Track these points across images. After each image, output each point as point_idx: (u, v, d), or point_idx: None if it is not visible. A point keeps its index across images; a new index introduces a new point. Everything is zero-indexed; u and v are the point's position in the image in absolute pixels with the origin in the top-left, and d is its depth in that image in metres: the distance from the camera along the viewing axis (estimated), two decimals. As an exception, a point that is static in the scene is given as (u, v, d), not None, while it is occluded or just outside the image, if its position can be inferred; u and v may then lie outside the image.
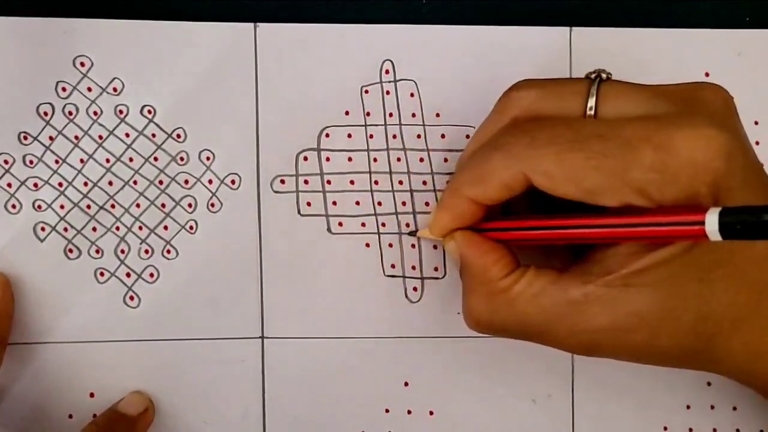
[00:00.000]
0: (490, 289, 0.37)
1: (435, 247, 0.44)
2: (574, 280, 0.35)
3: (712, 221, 0.30)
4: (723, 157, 0.33)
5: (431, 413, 0.44)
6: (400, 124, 0.44)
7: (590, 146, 0.33)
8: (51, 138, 0.43)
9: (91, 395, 0.43)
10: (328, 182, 0.44)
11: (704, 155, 0.32)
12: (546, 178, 0.34)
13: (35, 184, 0.43)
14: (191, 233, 0.43)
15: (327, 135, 0.44)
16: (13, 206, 0.42)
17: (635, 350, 0.35)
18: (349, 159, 0.44)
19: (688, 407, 0.45)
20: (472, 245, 0.38)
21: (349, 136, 0.44)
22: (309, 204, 0.44)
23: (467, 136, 0.44)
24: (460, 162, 0.41)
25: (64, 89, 0.43)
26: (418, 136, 0.44)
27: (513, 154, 0.35)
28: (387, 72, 0.44)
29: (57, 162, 0.43)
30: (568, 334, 0.35)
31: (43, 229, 0.43)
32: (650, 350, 0.35)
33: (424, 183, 0.44)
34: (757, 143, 0.45)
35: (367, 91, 0.44)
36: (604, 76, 0.37)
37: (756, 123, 0.45)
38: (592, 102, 0.36)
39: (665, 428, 0.45)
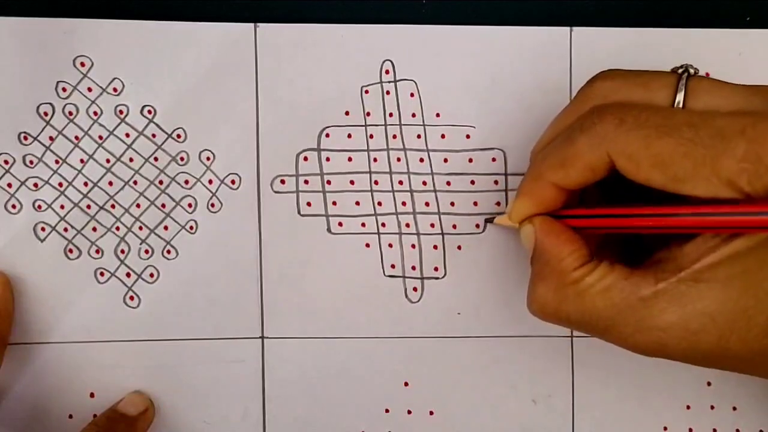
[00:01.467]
0: (561, 280, 0.36)
1: (435, 247, 0.44)
2: (646, 276, 0.34)
3: None
4: None
5: (431, 413, 0.44)
6: (400, 124, 0.44)
7: (680, 133, 0.32)
8: (51, 138, 0.43)
9: (91, 395, 0.43)
10: (328, 182, 0.44)
11: None
12: (631, 162, 0.33)
13: (35, 184, 0.43)
14: (191, 233, 0.43)
15: (327, 135, 0.44)
16: (13, 206, 0.42)
17: (703, 353, 0.34)
18: (349, 159, 0.44)
19: (688, 407, 0.45)
20: (551, 233, 0.37)
21: (349, 136, 0.44)
22: (309, 204, 0.44)
23: (467, 136, 0.44)
24: (536, 150, 0.39)
25: (64, 89, 0.43)
26: (418, 136, 0.44)
27: (599, 135, 0.34)
28: (387, 72, 0.44)
29: (57, 162, 0.43)
30: (634, 331, 0.34)
31: (43, 229, 0.43)
32: (719, 353, 0.34)
33: (424, 183, 0.44)
34: (758, 143, 0.45)
35: (367, 91, 0.44)
36: (692, 71, 0.36)
37: (756, 123, 0.45)
38: (680, 96, 0.35)
39: (665, 428, 0.45)
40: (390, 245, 0.44)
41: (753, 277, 0.32)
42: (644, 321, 0.34)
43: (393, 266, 0.44)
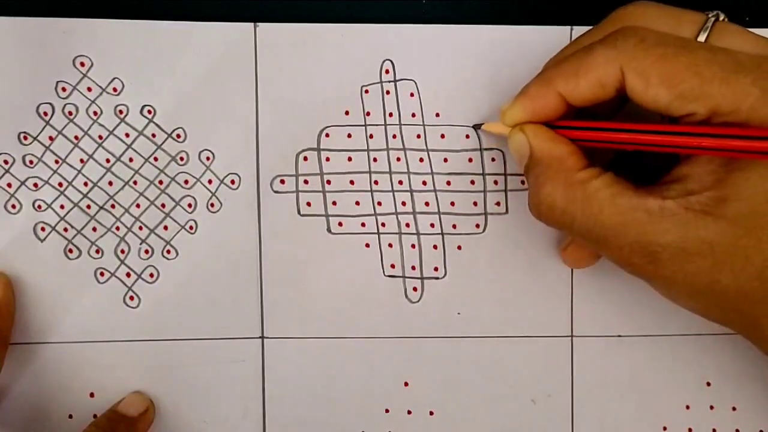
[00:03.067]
0: (568, 178, 0.36)
1: (435, 247, 0.44)
2: (653, 193, 0.35)
3: None
4: None
5: (431, 413, 0.44)
6: (400, 124, 0.44)
7: (696, 54, 0.33)
8: (51, 138, 0.43)
9: (91, 395, 0.43)
10: (328, 182, 0.44)
11: None
12: (641, 79, 0.34)
13: (35, 184, 0.43)
14: (191, 233, 0.43)
15: (327, 135, 0.44)
16: (13, 206, 0.43)
17: (693, 277, 0.34)
18: (349, 159, 0.44)
19: (688, 407, 0.45)
20: (548, 138, 0.37)
21: (349, 136, 0.44)
22: (309, 204, 0.44)
23: (467, 136, 0.44)
24: (552, 60, 0.40)
25: (64, 89, 0.43)
26: (418, 136, 0.44)
27: (618, 48, 0.34)
28: (387, 72, 0.44)
29: (57, 162, 0.43)
30: (633, 241, 0.34)
31: (43, 229, 0.43)
32: (707, 283, 0.34)
33: (424, 183, 0.44)
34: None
35: (367, 91, 0.44)
36: (721, 17, 0.37)
37: (757, 123, 0.45)
38: (704, 36, 0.36)
39: (665, 428, 0.45)
40: (390, 245, 0.44)
41: (760, 220, 0.33)
42: (646, 234, 0.34)
43: (393, 266, 0.44)
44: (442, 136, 0.44)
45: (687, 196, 0.34)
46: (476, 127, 0.44)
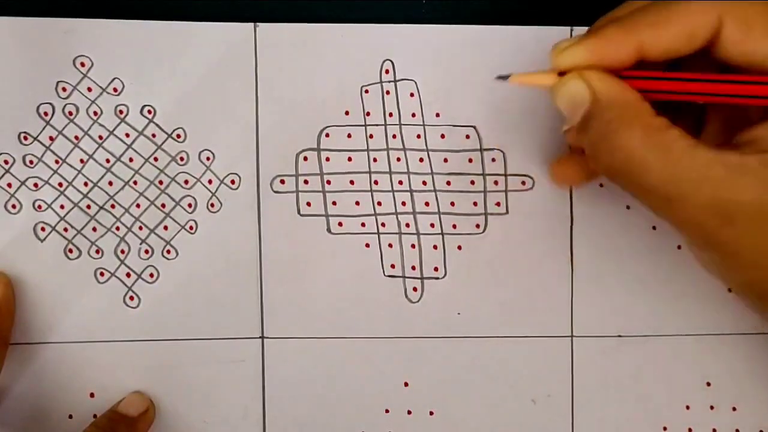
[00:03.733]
0: (646, 122, 0.33)
1: (435, 247, 0.44)
2: (730, 149, 0.33)
3: None
4: None
5: (431, 413, 0.44)
6: (400, 124, 0.44)
7: None
8: (51, 138, 0.43)
9: (91, 395, 0.43)
10: (328, 182, 0.44)
11: None
12: (744, 26, 0.32)
13: (35, 184, 0.43)
14: (191, 233, 0.43)
15: (327, 135, 0.44)
16: (13, 206, 0.43)
17: (763, 244, 0.32)
18: (349, 159, 0.44)
19: (688, 407, 0.45)
20: (615, 82, 0.34)
21: (349, 136, 0.44)
22: (309, 204, 0.44)
23: (467, 137, 0.44)
24: (629, 6, 0.35)
25: (64, 89, 0.43)
26: (418, 136, 0.44)
27: None
28: (387, 72, 0.44)
29: (57, 162, 0.43)
30: (709, 199, 0.32)
31: (43, 229, 0.43)
32: None
33: (424, 183, 0.44)
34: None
35: (367, 91, 0.44)
36: None
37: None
38: None
39: (665, 428, 0.45)
40: (390, 245, 0.44)
41: None
42: (724, 191, 0.32)
43: (393, 266, 0.44)
44: (442, 136, 0.44)
45: (764, 153, 0.32)
46: (502, 77, 0.37)
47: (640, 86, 0.34)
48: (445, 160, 0.44)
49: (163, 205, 0.43)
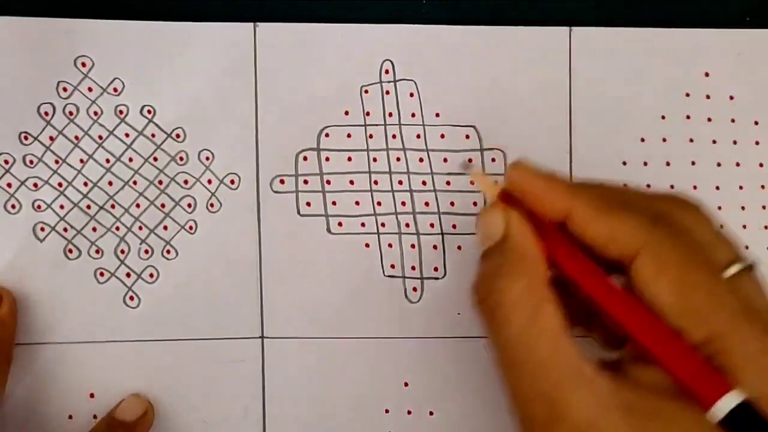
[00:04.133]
0: (532, 283, 0.32)
1: (435, 247, 0.44)
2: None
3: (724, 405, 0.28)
4: None
5: (431, 413, 0.44)
6: (400, 124, 0.44)
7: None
8: (51, 138, 0.43)
9: (91, 395, 0.43)
10: (328, 182, 0.44)
11: None
12: (655, 266, 0.31)
13: (35, 184, 0.43)
14: (191, 233, 0.43)
15: (327, 135, 0.44)
16: (13, 206, 0.42)
17: None
18: (349, 159, 0.44)
19: (688, 407, 0.45)
20: (529, 233, 0.33)
21: (349, 136, 0.44)
22: (309, 204, 0.44)
23: (467, 136, 0.44)
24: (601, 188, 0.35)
25: (64, 89, 0.43)
26: (418, 136, 0.44)
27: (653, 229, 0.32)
28: (387, 72, 0.44)
29: (57, 162, 0.43)
30: (549, 387, 0.31)
31: (42, 229, 0.43)
32: None
33: (424, 183, 0.44)
34: (757, 143, 0.45)
35: (366, 91, 0.44)
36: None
37: (756, 123, 0.45)
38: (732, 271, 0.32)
39: (665, 428, 0.45)
40: (390, 245, 0.44)
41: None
42: (563, 391, 0.30)
43: (393, 266, 0.44)
44: (442, 136, 0.44)
45: (621, 385, 0.30)
46: (466, 168, 0.40)
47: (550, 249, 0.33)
48: (445, 160, 0.44)
49: (163, 205, 0.43)
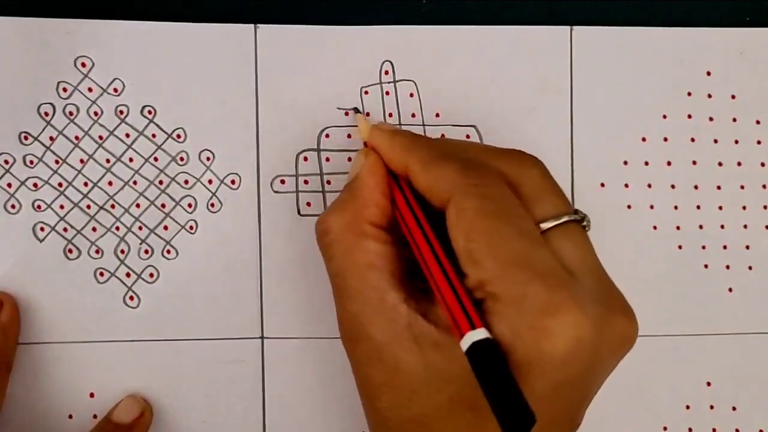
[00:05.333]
0: (353, 221, 0.36)
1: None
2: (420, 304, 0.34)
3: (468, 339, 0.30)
4: None
5: (431, 413, 0.44)
6: (400, 125, 0.44)
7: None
8: (51, 138, 0.43)
9: (91, 395, 0.43)
10: (328, 182, 0.44)
11: None
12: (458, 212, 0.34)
13: (35, 184, 0.43)
14: (191, 233, 0.43)
15: (327, 135, 0.44)
16: (13, 206, 0.43)
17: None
18: (349, 159, 0.44)
19: (688, 407, 0.45)
20: (376, 176, 0.37)
21: (349, 136, 0.44)
22: (309, 204, 0.44)
23: (467, 136, 0.44)
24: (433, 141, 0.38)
25: (65, 89, 0.43)
26: (418, 137, 0.44)
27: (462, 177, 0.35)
28: (387, 73, 0.44)
29: (57, 162, 0.43)
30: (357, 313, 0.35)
31: (42, 229, 0.43)
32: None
33: (424, 183, 0.44)
34: (759, 142, 0.45)
35: (366, 92, 0.44)
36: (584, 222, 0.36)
37: (758, 122, 0.45)
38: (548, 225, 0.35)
39: (665, 428, 0.45)
40: (390, 245, 0.44)
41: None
42: (374, 332, 0.34)
43: (393, 266, 0.44)
44: (443, 136, 0.44)
45: (416, 317, 0.33)
46: (356, 110, 0.44)
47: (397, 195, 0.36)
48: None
49: (163, 205, 0.43)
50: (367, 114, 0.44)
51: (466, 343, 0.30)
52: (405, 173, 0.36)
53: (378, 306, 0.34)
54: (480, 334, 0.30)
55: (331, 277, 0.36)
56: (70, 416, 0.43)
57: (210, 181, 0.43)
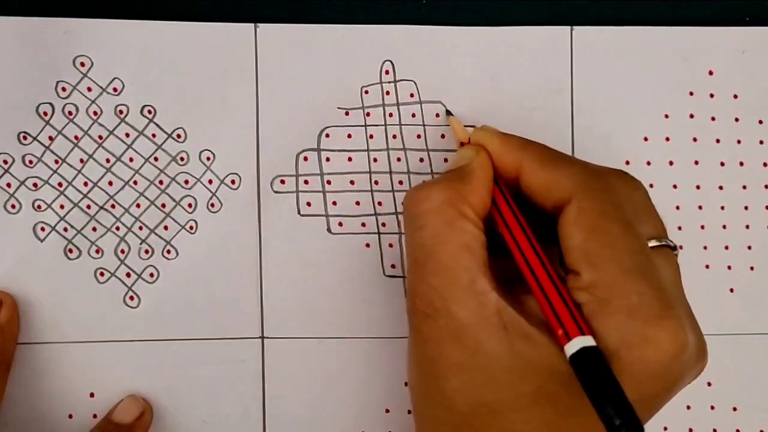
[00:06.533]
0: (457, 200, 0.35)
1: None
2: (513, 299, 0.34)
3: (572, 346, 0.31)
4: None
5: (431, 413, 0.44)
6: (400, 125, 0.44)
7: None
8: (51, 138, 0.43)
9: (91, 395, 0.43)
10: (328, 182, 0.44)
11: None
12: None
13: (35, 184, 0.43)
14: (191, 233, 0.43)
15: (327, 135, 0.44)
16: (13, 206, 0.43)
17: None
18: (349, 159, 0.44)
19: (688, 407, 0.45)
20: (487, 171, 0.37)
21: (349, 136, 0.44)
22: (309, 204, 0.44)
23: (467, 137, 0.44)
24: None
25: (64, 89, 0.43)
26: (418, 137, 0.44)
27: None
28: (387, 72, 0.44)
29: (57, 162, 0.43)
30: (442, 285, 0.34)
31: (42, 229, 0.43)
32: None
33: (424, 183, 0.44)
34: (761, 142, 0.45)
35: (367, 92, 0.44)
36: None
37: (760, 122, 0.45)
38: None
39: (665, 428, 0.45)
40: (390, 245, 0.44)
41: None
42: (464, 317, 0.34)
43: (393, 266, 0.44)
44: (443, 136, 0.44)
45: (506, 305, 0.34)
46: (448, 112, 0.44)
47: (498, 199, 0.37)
48: (445, 160, 0.44)
49: (164, 205, 0.43)
50: (368, 114, 0.44)
51: (573, 347, 0.31)
52: (515, 172, 0.36)
53: (468, 287, 0.34)
54: (588, 341, 0.31)
55: (416, 247, 0.35)
56: (70, 416, 0.43)
57: (210, 181, 0.43)
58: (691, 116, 0.45)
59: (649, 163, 0.45)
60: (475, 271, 0.34)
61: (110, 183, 0.43)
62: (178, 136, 0.43)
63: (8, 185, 0.42)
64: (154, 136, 0.43)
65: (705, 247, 0.45)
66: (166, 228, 0.43)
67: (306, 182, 0.44)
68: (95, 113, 0.43)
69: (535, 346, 0.32)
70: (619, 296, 0.32)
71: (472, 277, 0.34)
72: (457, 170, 0.37)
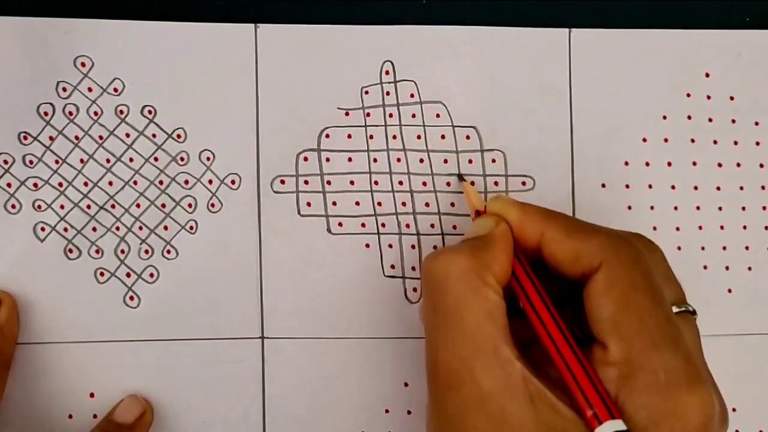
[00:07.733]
0: (481, 268, 0.35)
1: (435, 247, 0.44)
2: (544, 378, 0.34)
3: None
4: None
5: (431, 413, 0.44)
6: (400, 125, 0.44)
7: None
8: (51, 138, 0.43)
9: (91, 395, 0.43)
10: (328, 182, 0.44)
11: None
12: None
13: (35, 184, 0.43)
14: (191, 233, 0.43)
15: (327, 135, 0.44)
16: (13, 206, 0.42)
17: None
18: (349, 159, 0.44)
19: (688, 408, 0.45)
20: (507, 243, 0.36)
21: (349, 136, 0.44)
22: (309, 204, 0.44)
23: (467, 137, 0.44)
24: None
25: (64, 89, 0.43)
26: (418, 137, 0.44)
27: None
28: (387, 73, 0.44)
29: (57, 162, 0.43)
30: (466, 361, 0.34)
31: (43, 229, 0.43)
32: None
33: (424, 184, 0.44)
34: (758, 144, 0.45)
35: (367, 92, 0.44)
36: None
37: (756, 124, 0.45)
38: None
39: (665, 429, 0.45)
40: (390, 245, 0.44)
41: None
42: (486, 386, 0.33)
43: (393, 266, 0.44)
44: (443, 136, 0.44)
45: (533, 375, 0.33)
46: (461, 178, 0.44)
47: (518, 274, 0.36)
48: (445, 161, 0.44)
49: (164, 205, 0.43)
50: (368, 114, 0.44)
51: (604, 430, 0.31)
52: (536, 242, 0.36)
53: (492, 354, 0.33)
54: (618, 425, 0.31)
55: (438, 312, 0.35)
56: (70, 416, 0.43)
57: (210, 181, 0.43)
58: (689, 117, 0.45)
59: (647, 164, 0.45)
60: (498, 338, 0.33)
61: (110, 183, 0.43)
62: (178, 136, 0.43)
63: (8, 185, 0.42)
64: (154, 136, 0.43)
65: (703, 248, 0.45)
66: (166, 228, 0.43)
67: (306, 182, 0.44)
68: (96, 113, 0.43)
69: (563, 421, 0.32)
70: (647, 372, 0.32)
71: (496, 344, 0.33)
72: (479, 239, 0.36)
